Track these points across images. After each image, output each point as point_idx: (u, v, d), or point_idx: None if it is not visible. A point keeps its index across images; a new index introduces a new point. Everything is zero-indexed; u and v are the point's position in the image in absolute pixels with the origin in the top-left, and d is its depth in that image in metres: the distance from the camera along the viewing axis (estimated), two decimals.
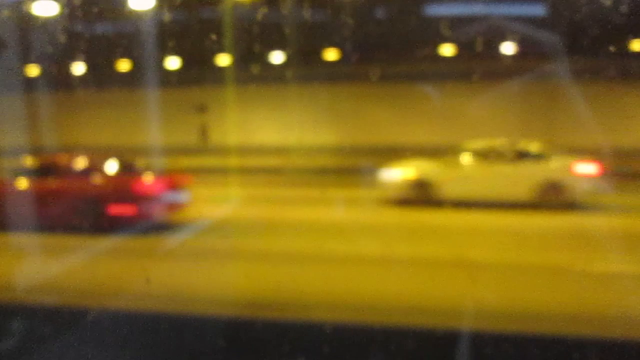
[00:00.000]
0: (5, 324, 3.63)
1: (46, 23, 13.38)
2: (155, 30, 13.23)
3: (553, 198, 11.10)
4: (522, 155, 11.84)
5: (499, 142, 12.16)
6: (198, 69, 17.07)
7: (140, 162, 10.58)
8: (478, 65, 14.18)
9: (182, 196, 9.93)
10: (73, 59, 15.97)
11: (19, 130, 14.78)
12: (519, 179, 11.34)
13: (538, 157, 11.78)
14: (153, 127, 15.92)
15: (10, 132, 14.34)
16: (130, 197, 9.17)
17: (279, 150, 15.73)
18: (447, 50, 16.62)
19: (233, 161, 14.99)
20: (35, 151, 13.71)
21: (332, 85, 16.71)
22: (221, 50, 15.79)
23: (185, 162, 14.06)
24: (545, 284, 5.98)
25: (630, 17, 8.53)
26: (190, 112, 16.98)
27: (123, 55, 17.98)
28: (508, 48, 16.43)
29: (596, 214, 10.77)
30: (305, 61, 18.25)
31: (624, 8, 8.50)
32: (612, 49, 11.39)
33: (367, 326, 3.22)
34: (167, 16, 13.12)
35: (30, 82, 17.48)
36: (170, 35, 13.47)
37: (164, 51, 14.03)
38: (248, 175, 14.95)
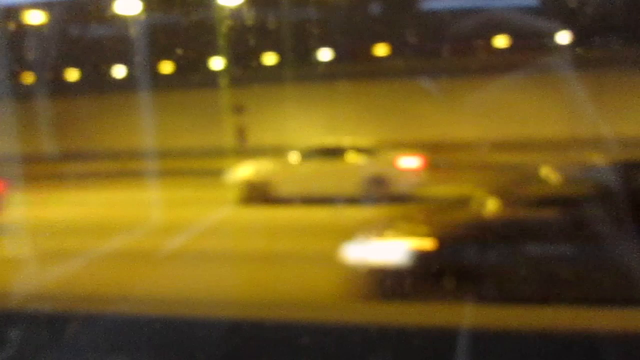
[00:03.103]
0: None
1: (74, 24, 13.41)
2: (182, 31, 13.04)
3: (379, 192, 11.62)
4: (349, 152, 12.52)
5: (329, 139, 12.91)
6: (236, 68, 16.88)
7: None
8: (528, 57, 13.55)
9: None
10: (111, 61, 16.03)
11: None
12: (346, 175, 11.94)
13: (364, 152, 12.43)
14: (189, 128, 15.75)
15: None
16: None
17: None
18: (497, 42, 16.03)
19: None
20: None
21: (375, 81, 16.27)
22: (260, 49, 15.53)
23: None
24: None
25: None
26: (228, 113, 16.76)
27: (166, 57, 18.03)
28: (560, 39, 15.72)
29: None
30: (344, 59, 17.84)
31: None
32: None
33: (366, 325, 3.06)
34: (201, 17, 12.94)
35: (68, 84, 17.76)
36: (204, 35, 13.23)
37: (194, 52, 13.79)
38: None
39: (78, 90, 18.13)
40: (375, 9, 16.85)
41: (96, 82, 17.00)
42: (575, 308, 3.35)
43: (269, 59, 17.40)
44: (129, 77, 16.32)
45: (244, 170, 12.69)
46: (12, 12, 11.62)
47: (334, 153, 12.61)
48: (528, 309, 3.28)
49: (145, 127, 15.27)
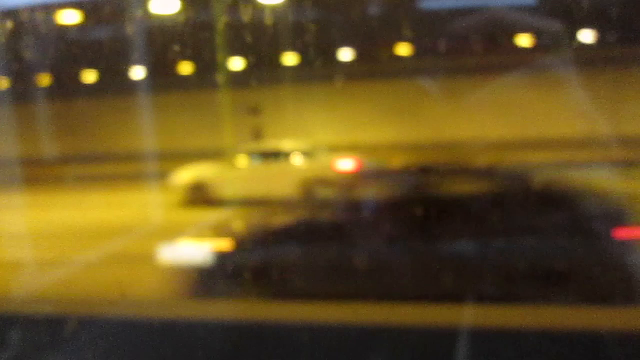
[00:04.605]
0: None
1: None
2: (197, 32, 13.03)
3: (320, 194, 12.00)
4: (288, 155, 12.93)
5: (270, 142, 13.49)
6: (253, 68, 16.83)
7: None
8: (547, 56, 13.36)
9: None
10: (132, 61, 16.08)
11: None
12: (284, 177, 12.20)
13: (303, 155, 12.83)
14: (206, 130, 15.74)
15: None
16: None
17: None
18: (521, 41, 15.80)
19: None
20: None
21: (393, 81, 16.16)
22: (276, 49, 15.47)
23: None
24: None
25: None
26: (243, 114, 16.70)
27: (183, 57, 18.04)
28: (585, 37, 15.53)
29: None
30: (363, 58, 17.72)
31: None
32: None
33: (367, 325, 3.08)
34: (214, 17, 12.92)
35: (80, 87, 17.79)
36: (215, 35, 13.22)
37: (212, 52, 13.79)
38: None
39: (95, 92, 18.25)
40: (392, 8, 16.76)
41: (110, 83, 17.09)
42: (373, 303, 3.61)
43: (288, 59, 17.36)
44: (146, 79, 16.38)
45: (187, 173, 12.96)
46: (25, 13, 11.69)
47: (275, 156, 13.05)
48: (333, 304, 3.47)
49: (163, 128, 15.35)
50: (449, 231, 4.92)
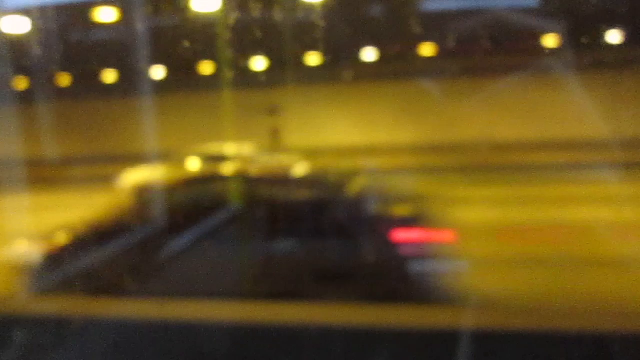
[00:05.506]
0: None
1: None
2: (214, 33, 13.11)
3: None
4: (233, 158, 12.74)
5: (211, 146, 13.36)
6: (271, 69, 16.88)
7: None
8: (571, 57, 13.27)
9: None
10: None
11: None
12: None
13: (247, 159, 12.79)
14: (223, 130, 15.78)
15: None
16: None
17: (343, 151, 15.18)
18: (546, 42, 15.75)
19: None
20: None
21: (411, 82, 16.07)
22: (295, 50, 15.51)
23: None
24: None
25: None
26: (261, 114, 16.68)
27: (203, 57, 18.16)
28: (611, 37, 15.54)
29: None
30: (383, 59, 17.67)
31: None
32: None
33: (369, 326, 3.05)
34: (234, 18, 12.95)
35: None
36: (240, 37, 13.27)
37: (222, 53, 13.86)
38: None
39: (93, 91, 18.39)
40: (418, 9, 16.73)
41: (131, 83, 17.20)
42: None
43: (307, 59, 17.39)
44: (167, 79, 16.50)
45: (133, 175, 12.84)
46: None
47: (219, 159, 12.84)
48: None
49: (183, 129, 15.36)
50: (243, 235, 5.26)
